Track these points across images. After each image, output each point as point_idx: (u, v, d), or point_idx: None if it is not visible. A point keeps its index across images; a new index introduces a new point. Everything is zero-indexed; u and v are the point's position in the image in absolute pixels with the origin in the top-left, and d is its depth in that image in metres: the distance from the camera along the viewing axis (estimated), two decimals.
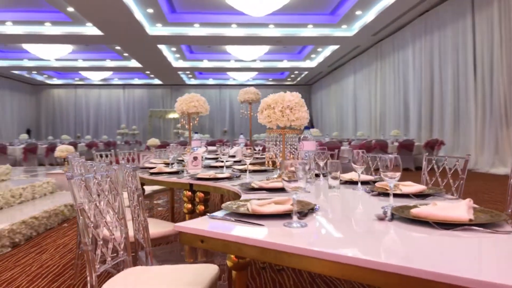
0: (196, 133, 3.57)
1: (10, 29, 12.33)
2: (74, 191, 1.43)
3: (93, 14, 11.03)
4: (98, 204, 1.57)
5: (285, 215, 1.33)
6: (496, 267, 0.91)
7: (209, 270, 1.62)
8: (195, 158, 3.26)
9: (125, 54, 15.80)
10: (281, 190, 1.97)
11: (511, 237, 1.08)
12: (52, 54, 14.78)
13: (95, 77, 19.63)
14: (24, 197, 4.85)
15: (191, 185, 2.46)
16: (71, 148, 5.82)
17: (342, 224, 1.31)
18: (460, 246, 1.03)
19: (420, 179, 2.48)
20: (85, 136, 18.87)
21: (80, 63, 17.30)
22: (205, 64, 18.02)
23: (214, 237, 1.17)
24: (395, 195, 1.76)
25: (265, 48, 15.11)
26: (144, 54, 15.43)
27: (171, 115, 20.19)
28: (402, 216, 1.27)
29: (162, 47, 14.88)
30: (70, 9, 10.82)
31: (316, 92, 23.14)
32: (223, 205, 1.46)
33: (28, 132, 20.78)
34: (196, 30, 13.05)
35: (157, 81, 21.60)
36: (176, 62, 17.53)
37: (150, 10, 11.31)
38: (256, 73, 20.26)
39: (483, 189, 6.78)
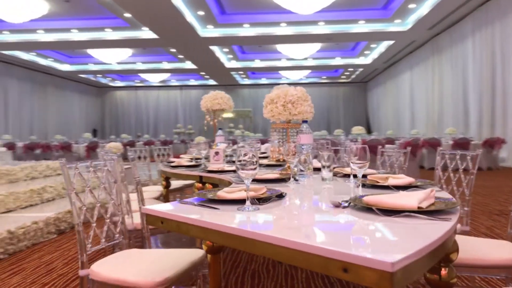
0: (220, 129, 3.68)
1: (75, 36, 13.29)
2: (67, 177, 1.58)
3: (148, 18, 11.59)
4: (92, 190, 1.71)
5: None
6: (382, 245, 0.94)
7: (193, 254, 1.70)
8: (216, 153, 3.38)
9: (180, 56, 16.41)
10: (274, 181, 2.01)
11: (443, 223, 1.07)
12: (114, 58, 15.75)
13: (154, 79, 20.59)
14: None
15: (200, 177, 2.57)
16: (119, 145, 6.20)
17: (294, 210, 1.35)
18: (377, 229, 1.07)
19: (470, 180, 2.34)
20: (143, 135, 19.85)
21: (139, 66, 18.24)
22: (257, 63, 18.22)
23: (170, 219, 1.26)
24: (378, 186, 1.74)
25: (317, 45, 14.98)
26: (198, 55, 15.93)
27: (226, 115, 20.65)
28: (355, 204, 1.28)
29: (214, 48, 15.27)
30: (127, 15, 11.45)
31: (372, 89, 22.50)
32: (198, 192, 1.54)
33: (94, 131, 22.29)
34: (246, 31, 13.26)
35: (212, 82, 22.20)
36: (229, 62, 17.90)
37: (201, 13, 11.67)
38: (309, 71, 20.13)
39: None
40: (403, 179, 1.78)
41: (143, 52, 16.29)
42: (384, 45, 15.42)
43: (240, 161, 1.28)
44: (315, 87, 22.95)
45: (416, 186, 1.73)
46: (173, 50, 15.32)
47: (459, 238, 1.87)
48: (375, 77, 21.68)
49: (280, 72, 20.20)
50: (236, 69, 18.96)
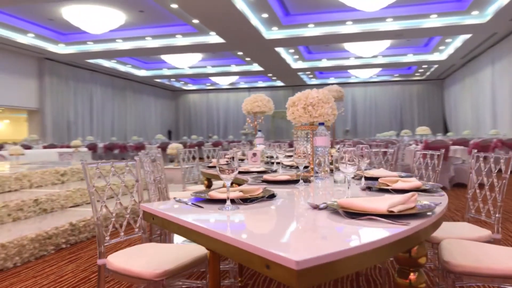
0: (259, 131, 3.76)
1: (149, 43, 14.17)
2: (87, 176, 1.76)
3: (214, 24, 12.03)
4: (112, 188, 1.88)
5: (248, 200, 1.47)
6: (308, 244, 0.99)
7: (199, 250, 1.80)
8: (254, 154, 3.47)
9: (247, 59, 16.77)
10: (285, 183, 2.05)
11: (399, 229, 1.06)
12: (185, 63, 16.54)
13: (223, 81, 21.25)
14: None
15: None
16: (180, 146, 6.54)
17: (270, 211, 1.38)
18: (322, 229, 1.15)
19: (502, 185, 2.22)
20: (213, 136, 20.54)
21: (209, 70, 18.94)
22: (324, 63, 18.01)
23: (158, 216, 1.36)
24: (383, 190, 1.71)
25: (386, 42, 14.45)
26: (264, 57, 16.16)
27: None
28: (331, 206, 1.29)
29: (280, 50, 15.38)
30: (195, 21, 11.97)
31: (449, 87, 21.09)
32: (194, 192, 1.64)
33: (169, 133, 23.54)
34: (311, 31, 13.19)
35: (279, 83, 22.35)
36: (295, 63, 17.90)
37: (265, 15, 11.84)
38: (380, 69, 19.44)
39: None
40: (410, 183, 1.72)
41: (212, 56, 16.89)
42: (460, 40, 14.42)
43: (220, 165, 1.35)
44: (387, 86, 22.09)
45: (424, 190, 1.67)
46: (240, 53, 15.70)
47: (480, 246, 1.76)
48: (452, 74, 20.30)
49: (348, 71, 19.77)
50: (303, 70, 18.91)
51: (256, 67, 18.29)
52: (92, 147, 12.65)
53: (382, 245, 0.94)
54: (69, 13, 11.17)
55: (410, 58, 17.28)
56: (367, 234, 1.02)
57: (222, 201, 1.45)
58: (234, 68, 18.78)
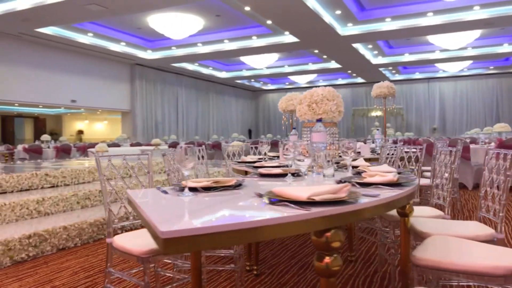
0: (294, 128, 3.84)
1: (227, 46, 14.78)
2: (100, 167, 2.06)
3: (287, 23, 12.18)
4: (123, 177, 2.17)
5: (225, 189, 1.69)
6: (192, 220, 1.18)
7: None
8: (286, 149, 3.59)
9: (324, 57, 16.63)
10: (277, 176, 2.17)
11: (300, 212, 1.15)
12: (263, 63, 16.93)
13: (302, 80, 21.29)
14: None
15: (246, 172, 2.85)
16: (240, 143, 6.84)
17: (217, 197, 1.54)
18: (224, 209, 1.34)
19: (506, 182, 2.15)
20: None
21: (287, 69, 19.13)
22: (407, 58, 17.13)
23: (131, 201, 1.60)
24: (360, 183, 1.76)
25: (475, 33, 13.34)
26: (341, 54, 15.90)
27: (374, 113, 20.01)
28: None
29: (358, 46, 15.02)
30: (269, 22, 12.25)
31: None
32: (177, 182, 1.85)
33: (250, 132, 24.24)
34: (389, 25, 12.70)
35: (360, 80, 21.75)
36: (375, 58, 17.31)
37: (338, 12, 11.69)
38: (470, 62, 17.94)
39: None
40: (383, 177, 1.76)
41: (288, 55, 17.06)
42: None
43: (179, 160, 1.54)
44: (480, 79, 20.28)
45: (397, 184, 1.70)
46: (316, 51, 15.64)
47: (464, 243, 1.72)
48: None
49: (435, 64, 18.54)
50: (384, 65, 18.20)
51: (333, 64, 18.05)
52: (174, 145, 13.61)
53: (260, 226, 1.06)
54: (154, 22, 12.15)
55: (506, 48, 15.70)
56: (255, 215, 1.15)
57: (193, 189, 1.64)
58: (311, 66, 18.74)
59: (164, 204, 1.44)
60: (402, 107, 21.22)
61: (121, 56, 15.16)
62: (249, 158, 3.50)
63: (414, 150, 3.13)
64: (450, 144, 5.28)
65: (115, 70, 15.96)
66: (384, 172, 1.94)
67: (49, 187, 4.71)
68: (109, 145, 11.33)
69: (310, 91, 2.52)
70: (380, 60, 17.48)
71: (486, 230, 2.06)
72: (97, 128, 20.87)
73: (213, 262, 3.09)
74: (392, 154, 3.35)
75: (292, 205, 1.24)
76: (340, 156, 2.88)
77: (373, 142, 4.88)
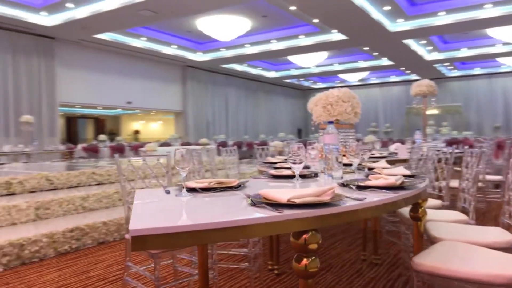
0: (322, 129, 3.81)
1: (275, 46, 14.85)
2: (119, 167, 2.22)
3: (334, 21, 12.03)
4: (141, 175, 2.32)
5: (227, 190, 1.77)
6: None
7: None
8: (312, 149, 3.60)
9: (375, 54, 16.20)
10: (286, 178, 2.21)
11: (272, 214, 1.20)
12: (311, 62, 16.81)
13: (353, 78, 20.85)
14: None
15: (260, 171, 2.90)
16: (280, 143, 6.89)
17: (209, 197, 1.61)
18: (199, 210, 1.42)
19: None
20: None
21: (336, 67, 18.84)
22: (465, 53, 16.23)
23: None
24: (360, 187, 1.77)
25: None
26: (392, 51, 15.40)
27: (429, 111, 19.13)
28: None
29: (409, 42, 14.48)
30: (316, 20, 12.16)
31: None
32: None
33: (299, 131, 24.14)
34: (442, 19, 12.13)
35: (414, 77, 20.90)
36: (429, 54, 16.57)
37: (387, 8, 11.36)
38: None
39: None
40: (385, 181, 1.75)
41: (338, 53, 16.79)
42: None
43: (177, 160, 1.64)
44: None
45: (399, 188, 1.69)
46: (366, 48, 15.28)
47: (473, 249, 1.67)
48: None
49: (497, 59, 17.41)
50: (439, 61, 17.37)
51: (386, 61, 17.52)
52: (223, 144, 13.90)
53: (224, 227, 1.12)
54: (202, 24, 12.50)
55: None
56: (230, 217, 1.21)
57: (192, 189, 1.74)
58: (362, 64, 18.31)
59: (154, 205, 1.55)
60: (460, 104, 20.11)
61: (173, 58, 15.74)
62: (275, 159, 3.55)
63: (445, 151, 3.01)
64: (498, 143, 4.98)
65: (168, 72, 16.59)
66: (391, 175, 1.91)
67: (95, 184, 5.06)
68: (161, 145, 11.83)
69: (325, 92, 2.52)
70: (434, 56, 16.71)
71: (505, 237, 1.96)
72: (153, 128, 21.80)
73: (232, 260, 3.18)
74: (425, 156, 3.25)
75: (269, 207, 1.29)
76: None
77: (413, 143, 4.72)
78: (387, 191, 1.62)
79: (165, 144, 12.26)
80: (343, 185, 1.82)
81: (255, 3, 10.98)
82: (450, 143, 7.61)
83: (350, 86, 23.30)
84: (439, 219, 2.34)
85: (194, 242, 1.15)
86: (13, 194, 4.23)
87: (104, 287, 2.74)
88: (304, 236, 1.27)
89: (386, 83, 22.72)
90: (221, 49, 15.49)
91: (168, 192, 1.73)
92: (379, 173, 2.14)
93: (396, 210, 2.59)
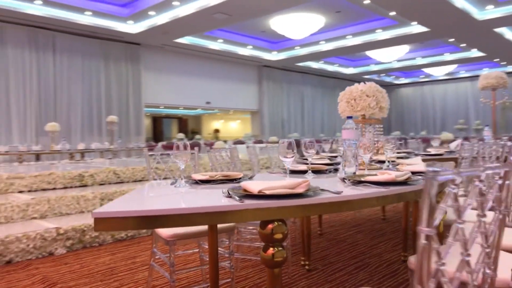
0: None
1: (350, 41, 14.48)
2: (148, 162, 2.40)
3: (413, 13, 11.39)
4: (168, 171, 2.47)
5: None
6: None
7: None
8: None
9: (462, 45, 14.99)
10: (299, 172, 2.23)
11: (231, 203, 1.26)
12: (391, 56, 16.08)
13: (438, 72, 19.48)
14: None
15: None
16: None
17: (211, 190, 1.69)
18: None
19: None
20: (420, 132, 19.12)
21: (419, 61, 17.75)
22: None
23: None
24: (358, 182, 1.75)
25: None
26: (482, 41, 14.12)
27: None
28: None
29: (502, 30, 13.19)
30: (392, 13, 11.64)
31: None
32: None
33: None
34: None
35: (510, 68, 18.93)
36: None
37: None
38: None
39: None
40: (384, 176, 1.70)
41: (420, 46, 15.84)
42: None
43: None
44: None
45: (399, 183, 1.65)
46: (451, 39, 14.22)
47: None
48: None
49: None
50: None
51: (475, 53, 16.12)
52: (296, 142, 13.92)
53: (179, 213, 1.19)
54: (275, 24, 12.64)
55: None
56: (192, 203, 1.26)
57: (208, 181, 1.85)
58: (448, 57, 17.04)
59: (145, 193, 1.69)
60: None
61: (249, 59, 16.12)
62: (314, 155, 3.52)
63: (495, 147, 2.73)
64: None
65: (244, 73, 17.03)
66: (402, 171, 1.83)
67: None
68: (234, 143, 12.24)
69: (350, 87, 2.45)
70: None
71: None
72: (231, 127, 22.55)
73: (252, 253, 3.24)
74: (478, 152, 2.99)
75: (236, 197, 1.33)
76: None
77: (481, 140, 4.31)
78: (378, 186, 1.56)
79: (239, 142, 12.64)
80: (343, 180, 1.79)
81: None
82: None
83: (436, 81, 21.85)
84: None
85: (140, 226, 1.24)
86: (85, 185, 4.73)
87: (143, 271, 2.98)
88: (269, 226, 1.30)
89: (478, 76, 20.85)
90: (295, 48, 15.50)
91: (174, 183, 1.85)
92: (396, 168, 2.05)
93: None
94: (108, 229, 1.20)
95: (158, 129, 19.87)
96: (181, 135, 13.18)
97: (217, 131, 21.86)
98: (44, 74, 11.52)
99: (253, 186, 1.41)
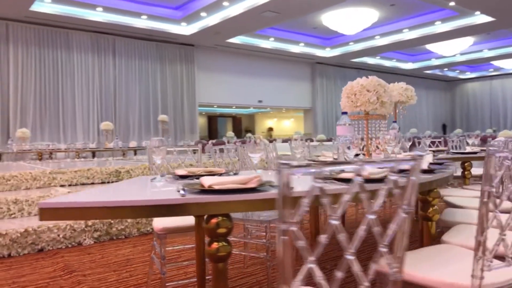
0: (394, 122, 3.46)
1: (407, 35, 13.85)
2: (150, 156, 2.50)
3: (475, 2, 10.66)
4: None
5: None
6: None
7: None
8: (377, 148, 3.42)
9: None
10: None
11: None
12: (454, 49, 15.14)
13: (510, 65, 18.00)
14: None
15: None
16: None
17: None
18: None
19: None
20: (486, 130, 17.70)
21: (487, 53, 16.50)
22: None
23: None
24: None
25: None
26: None
27: None
28: None
29: None
30: (452, 3, 10.97)
31: None
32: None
33: (444, 126, 21.88)
34: None
35: None
36: None
37: None
38: None
39: None
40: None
41: (486, 37, 14.75)
42: None
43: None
44: None
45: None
46: None
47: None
48: None
49: None
50: None
51: None
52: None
53: (120, 206, 1.22)
54: (327, 20, 12.41)
55: None
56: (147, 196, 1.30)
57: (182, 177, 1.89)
58: None
59: (115, 187, 1.77)
60: None
61: (301, 56, 15.98)
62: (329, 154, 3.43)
63: None
64: None
65: (297, 70, 16.91)
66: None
67: None
68: (283, 141, 12.21)
69: (352, 82, 2.34)
70: None
71: None
72: (285, 125, 22.48)
73: (250, 249, 3.21)
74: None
75: (183, 192, 1.35)
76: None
77: None
78: (342, 183, 1.50)
79: (287, 140, 12.60)
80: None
81: None
82: None
83: (508, 74, 20.19)
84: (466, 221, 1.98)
85: (79, 217, 1.30)
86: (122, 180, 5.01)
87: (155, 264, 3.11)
88: (213, 220, 1.30)
89: None
90: (350, 43, 15.13)
91: (153, 179, 1.92)
92: None
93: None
94: (51, 218, 1.27)
95: (213, 128, 20.38)
96: (231, 133, 13.40)
97: (270, 129, 21.93)
98: (105, 76, 12.30)
99: (207, 181, 1.43)
